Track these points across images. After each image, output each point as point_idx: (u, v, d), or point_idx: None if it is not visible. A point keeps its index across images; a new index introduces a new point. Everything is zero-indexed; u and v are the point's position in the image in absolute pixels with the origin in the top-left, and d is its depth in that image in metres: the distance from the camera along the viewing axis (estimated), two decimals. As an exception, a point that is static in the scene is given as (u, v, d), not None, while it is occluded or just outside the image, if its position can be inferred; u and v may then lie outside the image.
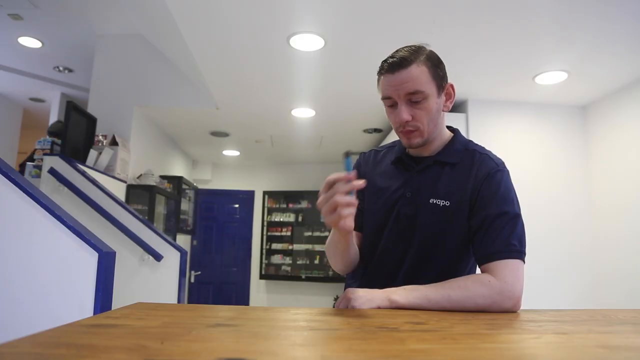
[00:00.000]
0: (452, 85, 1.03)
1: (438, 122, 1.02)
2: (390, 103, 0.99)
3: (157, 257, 2.88)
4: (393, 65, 0.95)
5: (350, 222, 0.82)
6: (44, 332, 0.51)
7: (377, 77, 1.01)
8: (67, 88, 4.96)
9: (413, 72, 0.94)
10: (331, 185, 0.81)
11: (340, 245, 1.01)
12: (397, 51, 0.98)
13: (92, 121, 3.49)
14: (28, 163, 3.18)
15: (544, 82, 3.33)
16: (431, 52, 1.00)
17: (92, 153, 3.27)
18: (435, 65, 0.98)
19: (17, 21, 3.55)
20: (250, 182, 6.76)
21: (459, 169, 1.03)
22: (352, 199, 0.80)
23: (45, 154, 3.03)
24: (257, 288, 6.47)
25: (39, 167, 2.98)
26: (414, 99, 0.96)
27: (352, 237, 1.02)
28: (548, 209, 3.62)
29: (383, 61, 0.98)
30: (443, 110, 1.03)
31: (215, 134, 5.07)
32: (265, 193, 6.53)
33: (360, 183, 0.81)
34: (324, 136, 5.15)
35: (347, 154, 0.84)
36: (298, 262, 6.34)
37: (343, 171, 0.83)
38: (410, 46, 0.99)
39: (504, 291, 0.87)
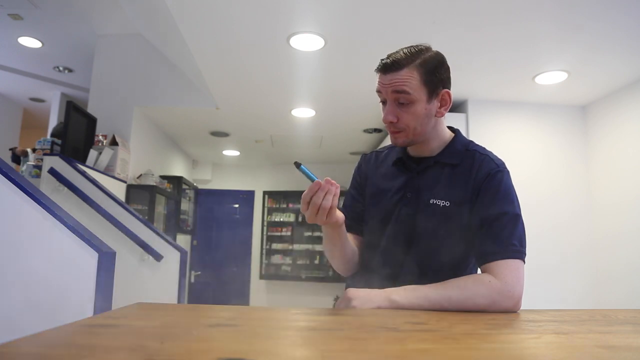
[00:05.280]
0: (448, 93, 1.01)
1: (428, 126, 1.01)
2: (382, 99, 1.02)
3: (157, 257, 2.88)
4: (386, 66, 0.98)
5: (333, 215, 0.92)
6: (44, 332, 0.51)
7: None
8: (67, 88, 4.96)
9: (403, 76, 0.96)
10: (308, 201, 0.90)
11: (336, 241, 1.02)
12: (396, 52, 0.99)
13: (92, 121, 3.49)
14: (28, 163, 3.18)
15: (544, 82, 3.33)
16: (431, 56, 0.99)
17: (92, 153, 3.27)
18: (430, 71, 0.97)
19: (17, 21, 3.55)
20: (250, 182, 6.76)
21: (460, 170, 1.03)
22: (329, 199, 0.89)
23: (45, 154, 3.03)
24: (257, 288, 6.47)
25: (39, 167, 2.98)
26: (401, 100, 0.97)
27: (345, 233, 1.04)
28: (548, 209, 3.62)
29: (381, 59, 1.00)
30: (436, 116, 1.02)
31: (215, 134, 5.07)
32: (265, 193, 6.53)
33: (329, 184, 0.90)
34: (324, 136, 5.15)
35: (298, 165, 0.93)
36: (298, 262, 6.34)
37: (324, 175, 0.93)
38: (411, 47, 0.98)
39: (504, 291, 0.87)
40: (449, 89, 1.02)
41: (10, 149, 3.72)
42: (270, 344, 0.53)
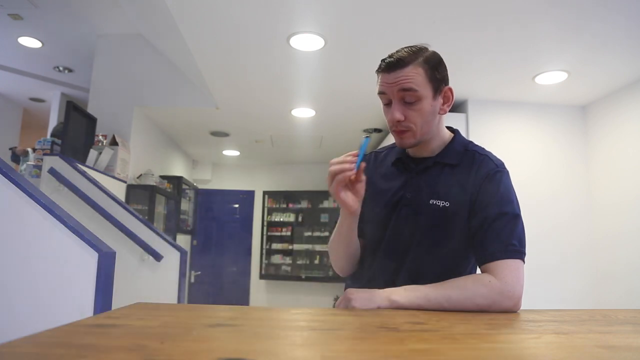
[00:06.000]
0: (450, 89, 1.02)
1: (433, 124, 1.02)
2: (386, 100, 1.01)
3: (157, 257, 2.88)
4: (390, 65, 0.97)
5: (351, 200, 0.94)
6: (44, 332, 0.51)
7: (376, 74, 1.02)
8: (67, 88, 4.96)
9: (408, 73, 0.95)
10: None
11: (342, 229, 1.03)
12: (397, 51, 0.99)
13: (92, 121, 3.49)
14: (28, 163, 3.18)
15: (544, 82, 3.33)
16: (432, 53, 1.00)
17: (92, 153, 3.27)
18: (433, 68, 0.98)
19: (17, 21, 3.55)
20: (250, 182, 6.76)
21: (459, 170, 1.03)
22: (349, 167, 0.91)
23: (45, 154, 3.03)
24: (257, 288, 6.47)
25: (39, 167, 2.98)
26: (408, 99, 0.97)
27: (354, 227, 1.04)
28: (548, 209, 3.63)
29: (382, 60, 0.99)
30: (440, 114, 1.02)
31: (215, 134, 5.07)
32: (265, 193, 6.53)
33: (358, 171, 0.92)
34: (324, 136, 5.15)
35: (367, 135, 0.95)
36: (298, 262, 6.34)
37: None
38: (411, 47, 0.99)
39: (504, 291, 0.87)
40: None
41: (10, 149, 3.73)
42: (270, 344, 0.53)
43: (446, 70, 1.02)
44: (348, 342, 0.56)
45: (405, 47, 0.99)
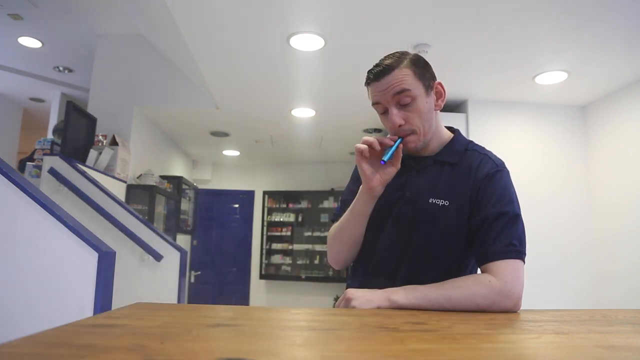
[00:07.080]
0: (440, 83, 1.05)
1: (433, 122, 1.03)
2: (382, 110, 1.02)
3: (157, 257, 2.88)
4: (378, 73, 0.98)
5: (370, 172, 0.98)
6: (44, 332, 0.51)
7: (365, 88, 1.04)
8: (67, 88, 4.96)
9: (398, 76, 0.97)
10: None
11: (354, 211, 1.04)
12: (380, 60, 1.01)
13: (92, 121, 3.49)
14: (28, 163, 3.18)
15: (544, 82, 3.33)
16: (415, 55, 1.02)
17: (92, 153, 3.27)
18: (421, 67, 1.00)
19: (17, 21, 3.55)
20: (250, 182, 6.76)
21: (459, 169, 1.03)
22: (371, 144, 0.97)
23: (45, 154, 3.03)
24: (257, 288, 6.47)
25: (39, 167, 2.98)
26: (403, 101, 0.98)
27: (366, 214, 1.05)
28: (548, 209, 3.63)
29: (368, 72, 1.01)
30: (435, 109, 1.04)
31: (215, 134, 5.07)
32: (265, 193, 6.53)
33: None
34: (324, 136, 5.15)
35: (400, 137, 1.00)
36: (298, 262, 6.33)
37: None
38: (393, 53, 1.02)
39: (503, 291, 0.87)
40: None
41: (31, 154, 3.69)
42: (270, 344, 0.53)
43: (432, 68, 1.05)
44: (348, 342, 0.56)
45: (388, 55, 1.02)
